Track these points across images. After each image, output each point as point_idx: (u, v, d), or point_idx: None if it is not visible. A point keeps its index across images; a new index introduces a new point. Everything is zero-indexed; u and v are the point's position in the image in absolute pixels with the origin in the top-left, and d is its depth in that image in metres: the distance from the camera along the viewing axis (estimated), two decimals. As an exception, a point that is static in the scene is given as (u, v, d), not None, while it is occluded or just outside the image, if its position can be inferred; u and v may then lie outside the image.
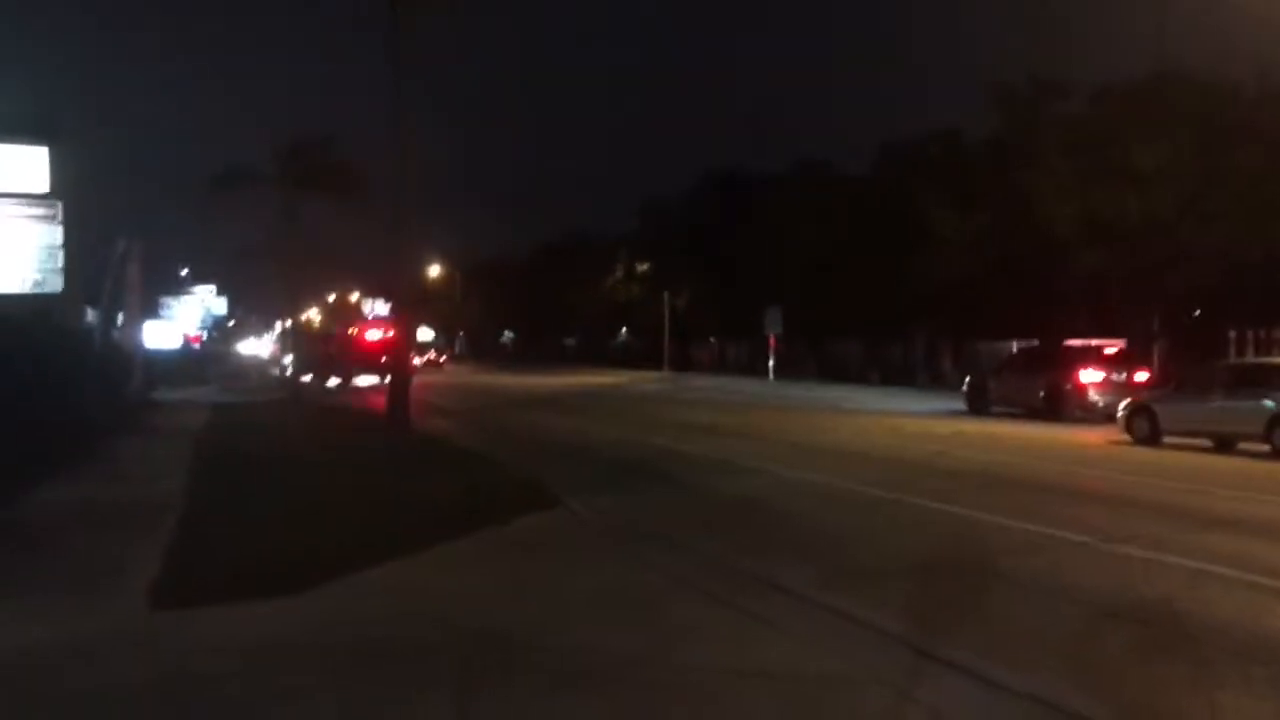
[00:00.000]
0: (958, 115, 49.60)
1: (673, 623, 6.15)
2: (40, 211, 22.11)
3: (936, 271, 36.34)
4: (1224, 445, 16.76)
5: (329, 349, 42.19)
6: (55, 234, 22.44)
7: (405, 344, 16.14)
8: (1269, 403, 15.88)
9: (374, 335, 40.93)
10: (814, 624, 6.27)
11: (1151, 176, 28.28)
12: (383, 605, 6.41)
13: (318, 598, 6.46)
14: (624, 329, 69.58)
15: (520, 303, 73.99)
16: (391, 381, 14.71)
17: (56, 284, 22.61)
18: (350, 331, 46.11)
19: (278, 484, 10.90)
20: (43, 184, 22.06)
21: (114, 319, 19.66)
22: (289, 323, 35.81)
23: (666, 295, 53.51)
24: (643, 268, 60.69)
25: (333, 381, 38.96)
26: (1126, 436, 17.98)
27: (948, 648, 5.59)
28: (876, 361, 46.26)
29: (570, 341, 78.73)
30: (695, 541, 8.79)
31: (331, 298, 78.99)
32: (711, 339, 60.76)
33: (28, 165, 21.86)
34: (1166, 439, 17.39)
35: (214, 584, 6.61)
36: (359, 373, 38.72)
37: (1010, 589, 7.23)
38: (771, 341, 44.64)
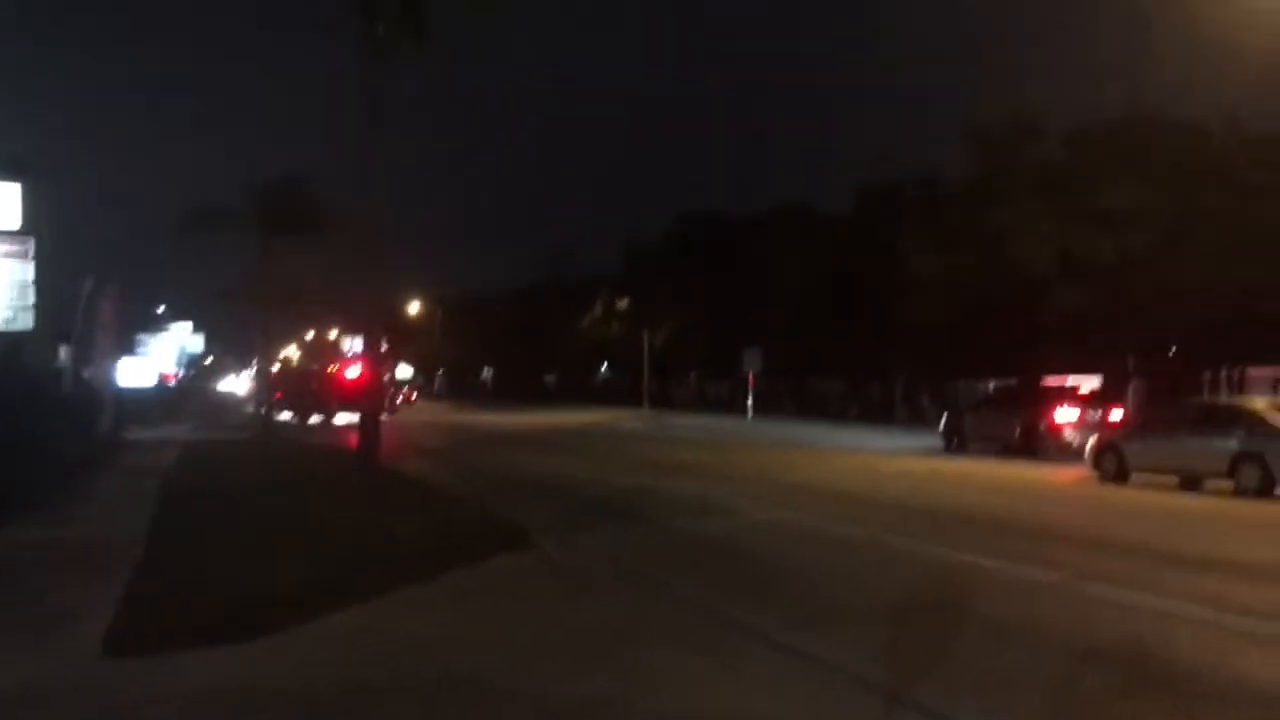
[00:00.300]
0: (937, 156, 50.10)
1: (640, 666, 6.06)
2: (12, 248, 22.00)
3: (915, 311, 36.56)
4: (1190, 484, 16.84)
5: (309, 386, 42.05)
6: (27, 271, 22.32)
7: (375, 381, 15.99)
8: (1233, 442, 16.03)
9: (354, 372, 40.83)
10: (781, 667, 6.18)
11: (1125, 217, 28.61)
12: (341, 651, 6.27)
13: (274, 644, 6.31)
14: (604, 366, 69.54)
15: (500, 340, 73.89)
16: (361, 419, 14.56)
17: (28, 321, 22.44)
18: (330, 369, 45.90)
19: (241, 524, 10.72)
20: (14, 220, 22.00)
21: (85, 357, 19.44)
22: (266, 360, 35.60)
23: (646, 333, 53.54)
24: (622, 305, 60.78)
25: (314, 419, 38.79)
26: (1095, 474, 18.08)
27: (917, 690, 5.52)
28: (855, 399, 46.39)
29: (550, 379, 78.57)
30: (666, 582, 8.70)
31: (310, 335, 78.66)
32: (691, 376, 60.77)
33: (0, 201, 21.80)
34: (1134, 477, 17.50)
35: (170, 630, 6.46)
36: (339, 410, 38.58)
37: (981, 628, 7.17)
38: (750, 380, 44.69)
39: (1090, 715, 5.47)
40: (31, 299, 22.11)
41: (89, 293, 21.67)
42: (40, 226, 22.03)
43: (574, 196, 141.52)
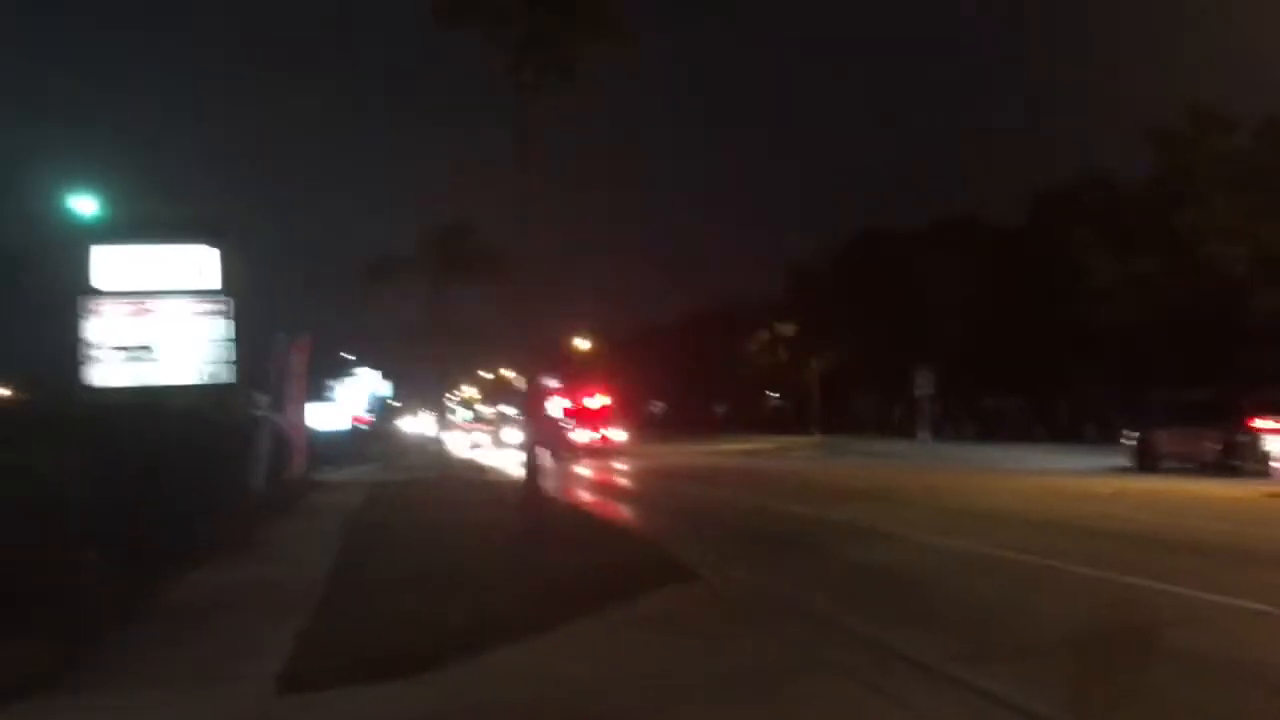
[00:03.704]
0: (1110, 159, 47.68)
1: (798, 701, 5.89)
2: (213, 307, 23.77)
3: (1099, 321, 34.67)
4: None
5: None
6: (227, 328, 24.07)
7: (540, 414, 16.33)
8: None
9: (596, 403, 43.43)
10: (948, 702, 5.88)
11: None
12: (503, 689, 6.37)
13: (438, 681, 6.47)
14: (775, 394, 68.93)
15: (669, 370, 74.44)
16: (528, 457, 14.91)
17: (231, 375, 24.20)
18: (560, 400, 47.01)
19: (416, 564, 11.09)
20: (215, 281, 23.78)
21: (279, 405, 20.71)
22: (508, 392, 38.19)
23: (812, 359, 52.79)
24: (787, 329, 60.26)
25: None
26: None
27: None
28: (1040, 417, 44.13)
29: (720, 409, 78.52)
30: (833, 614, 8.44)
31: (488, 375, 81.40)
32: (862, 401, 59.45)
33: (201, 264, 23.59)
34: None
35: (342, 667, 6.71)
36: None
37: (1169, 663, 6.61)
38: (923, 402, 43.30)
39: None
40: (232, 354, 23.80)
41: (282, 343, 23.16)
42: (234, 285, 23.65)
43: (731, 221, 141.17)
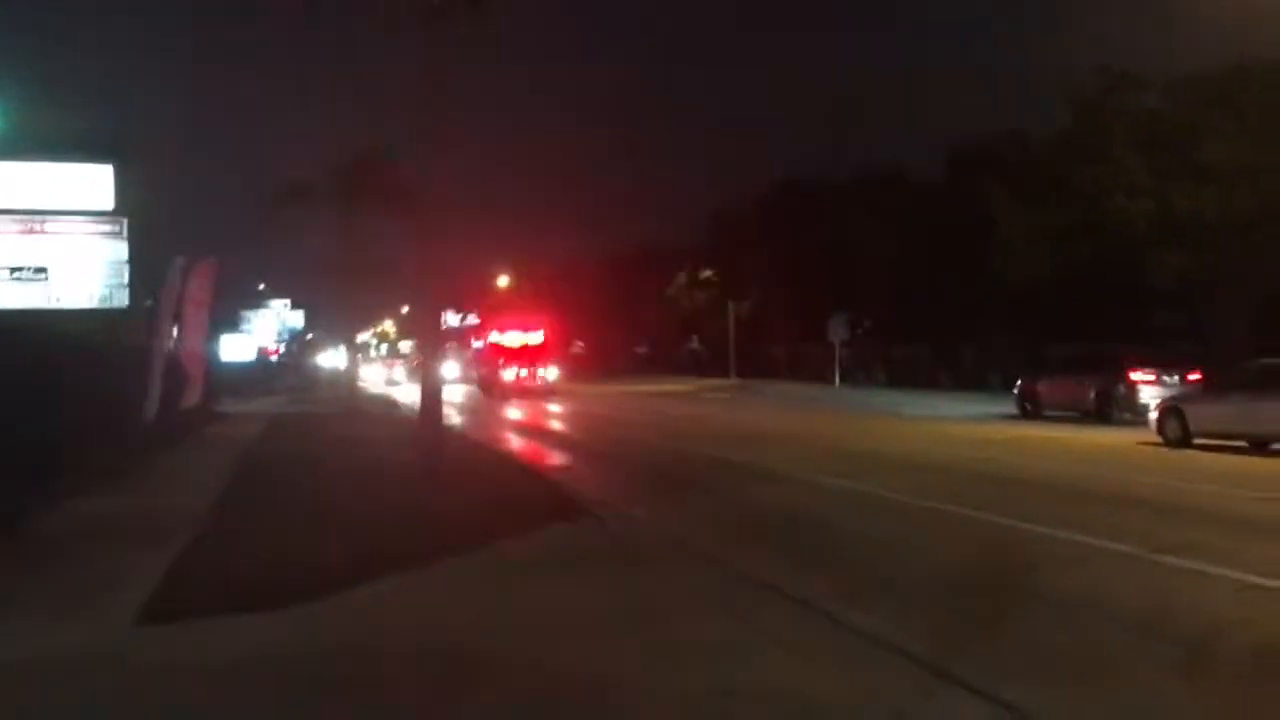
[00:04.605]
0: (1029, 117, 48.33)
1: (672, 639, 5.89)
2: (105, 228, 22.78)
3: (1008, 274, 35.37)
4: (1258, 446, 16.21)
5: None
6: (121, 250, 23.11)
7: (432, 356, 16.03)
8: None
9: (536, 338, 40.51)
10: (823, 637, 5.96)
11: (1230, 170, 27.05)
12: (362, 622, 6.26)
13: (303, 616, 6.32)
14: (695, 337, 69.25)
15: (590, 312, 74.18)
16: (425, 388, 14.67)
17: (123, 299, 23.28)
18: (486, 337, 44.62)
19: (304, 497, 10.89)
20: (108, 201, 22.77)
21: (177, 332, 20.05)
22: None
23: (730, 304, 53.04)
24: (706, 274, 60.36)
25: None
26: (1159, 438, 17.54)
27: (963, 667, 5.22)
28: (947, 366, 45.15)
29: (642, 350, 78.68)
30: (723, 554, 8.48)
31: (405, 310, 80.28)
32: (779, 346, 60.10)
33: (93, 183, 22.55)
34: (1197, 440, 16.91)
35: (207, 600, 6.53)
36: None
37: (1037, 601, 6.83)
38: (836, 347, 43.97)
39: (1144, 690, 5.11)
40: (126, 277, 22.91)
41: (181, 269, 22.36)
42: (132, 206, 22.74)
43: (661, 168, 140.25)
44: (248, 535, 8.77)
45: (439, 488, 11.78)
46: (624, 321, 71.97)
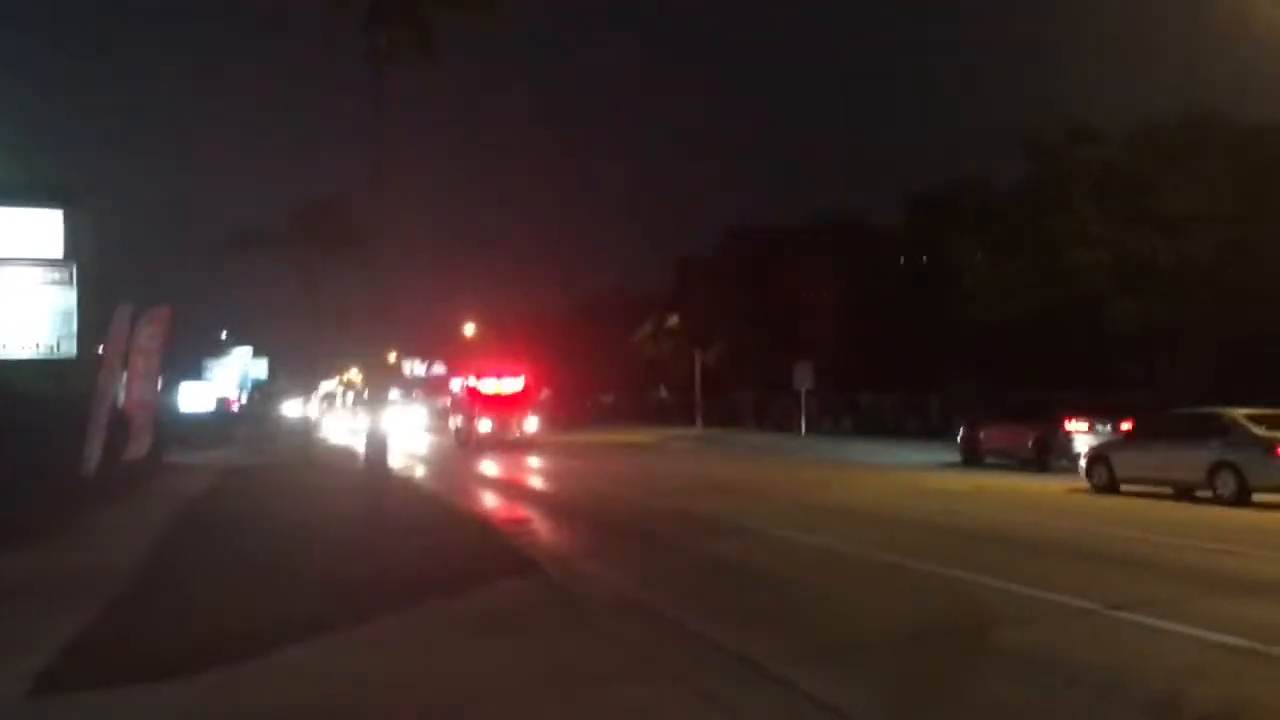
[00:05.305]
0: (987, 166, 49.12)
1: (616, 704, 5.58)
2: (54, 276, 22.21)
3: (970, 322, 35.56)
4: (1181, 493, 16.61)
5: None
6: (69, 297, 22.52)
7: (378, 406, 15.66)
8: (1210, 451, 15.86)
9: (514, 386, 37.08)
10: (770, 704, 5.66)
11: (1187, 222, 27.39)
12: (284, 691, 5.85)
13: (216, 681, 5.91)
14: (661, 385, 69.02)
15: (556, 360, 73.84)
16: (369, 438, 14.27)
17: (70, 349, 22.67)
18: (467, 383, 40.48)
19: (240, 554, 10.44)
20: (57, 248, 22.21)
21: (120, 382, 19.50)
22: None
23: (697, 352, 52.92)
24: (672, 322, 60.32)
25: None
26: (1088, 485, 18.03)
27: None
28: (914, 414, 45.13)
29: (608, 399, 78.31)
30: (672, 612, 8.15)
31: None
32: (744, 395, 60.02)
33: (42, 229, 21.98)
34: (1124, 487, 17.42)
35: (115, 666, 6.10)
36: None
37: (973, 646, 6.66)
38: (802, 396, 43.77)
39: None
40: (74, 327, 22.32)
41: (130, 317, 21.83)
42: (82, 254, 22.21)
43: (626, 216, 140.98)
44: (171, 596, 8.33)
45: (387, 543, 11.35)
46: (590, 369, 71.64)
